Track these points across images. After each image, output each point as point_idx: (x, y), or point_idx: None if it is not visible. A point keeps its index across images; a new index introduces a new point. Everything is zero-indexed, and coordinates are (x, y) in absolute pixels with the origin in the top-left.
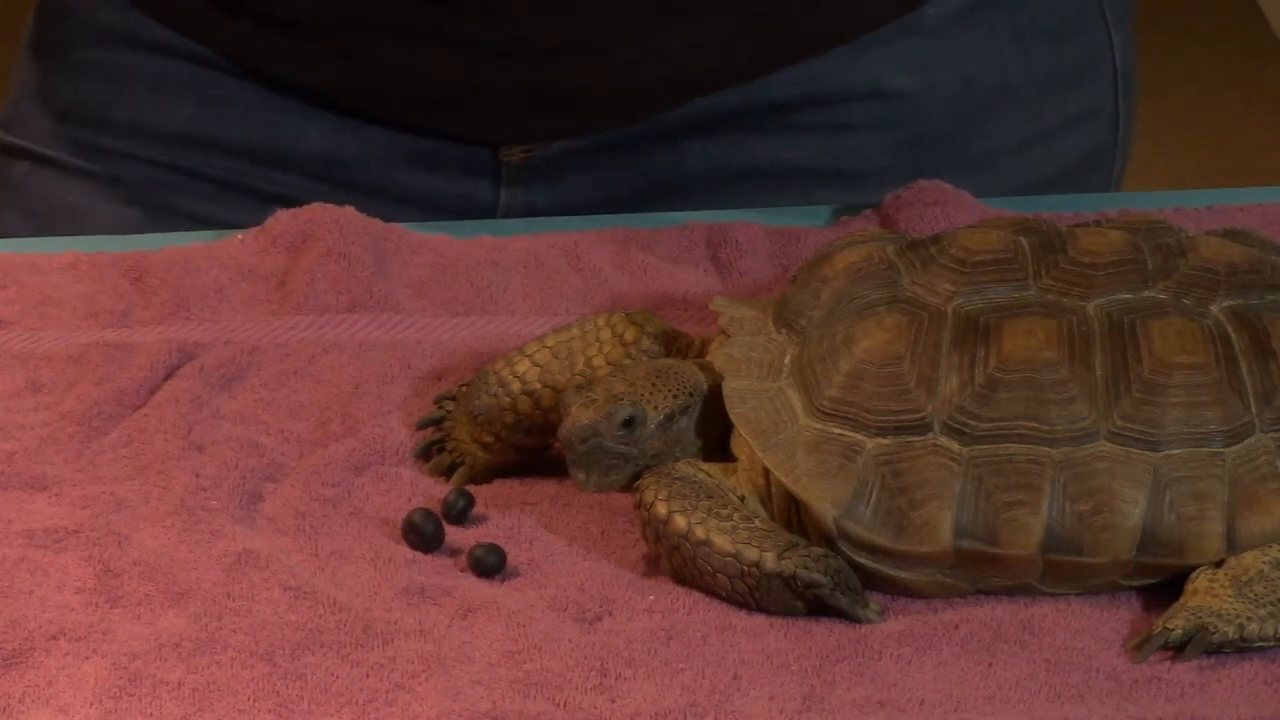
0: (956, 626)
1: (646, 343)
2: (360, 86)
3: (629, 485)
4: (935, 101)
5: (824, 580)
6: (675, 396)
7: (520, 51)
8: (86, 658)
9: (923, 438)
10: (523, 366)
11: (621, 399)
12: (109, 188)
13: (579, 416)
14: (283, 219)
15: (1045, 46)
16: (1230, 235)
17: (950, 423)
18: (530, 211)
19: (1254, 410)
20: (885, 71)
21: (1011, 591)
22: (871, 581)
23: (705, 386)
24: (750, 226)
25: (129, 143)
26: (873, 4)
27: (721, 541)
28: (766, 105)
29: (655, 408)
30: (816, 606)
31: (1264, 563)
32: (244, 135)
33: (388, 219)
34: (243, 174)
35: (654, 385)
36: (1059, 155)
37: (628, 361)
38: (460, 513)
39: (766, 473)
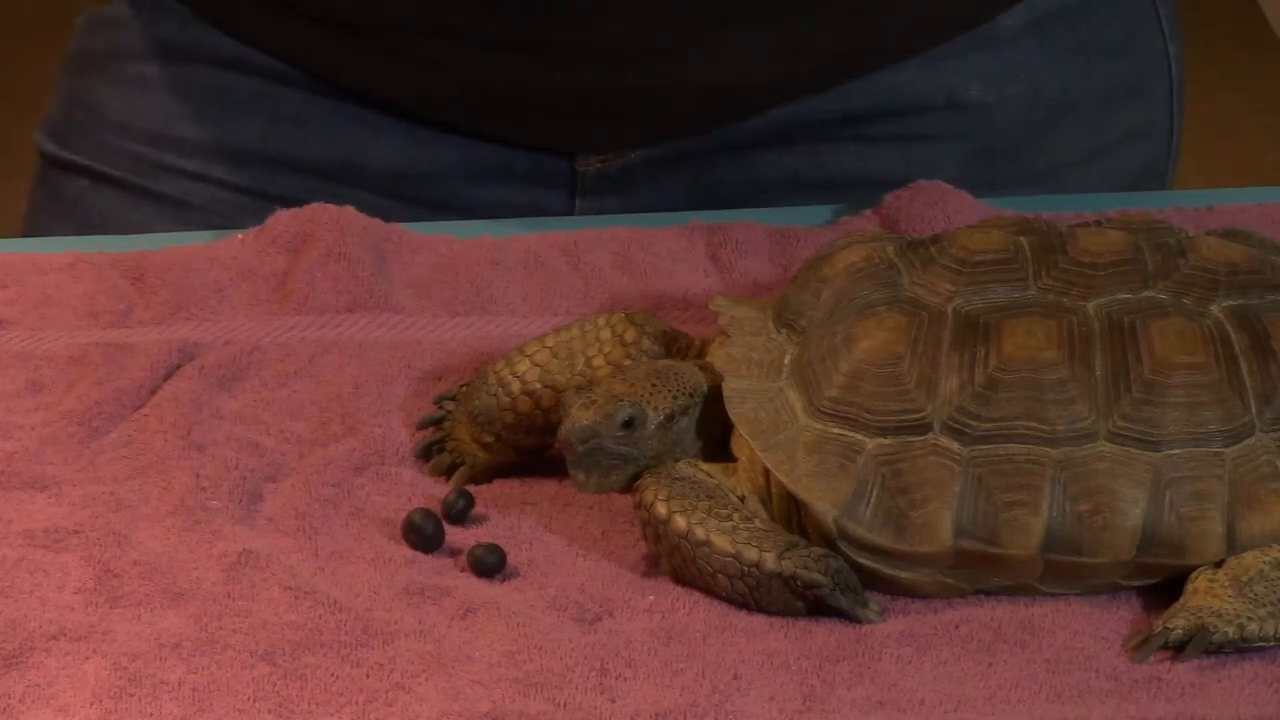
0: (956, 626)
1: (646, 343)
2: (436, 95)
3: (629, 486)
4: (1006, 113)
5: (824, 580)
6: (675, 397)
7: (597, 57)
8: (86, 658)
9: (923, 438)
10: (523, 366)
11: (621, 400)
12: (174, 209)
13: (579, 417)
14: (283, 219)
15: (1106, 60)
16: (1230, 235)
17: (950, 423)
18: None
19: (1254, 410)
20: (962, 83)
21: (1011, 591)
22: (871, 581)
23: (705, 387)
24: (750, 226)
25: (192, 161)
26: (949, 14)
27: (721, 542)
28: (841, 115)
29: (655, 409)
30: (816, 606)
31: (1264, 563)
32: (311, 152)
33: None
34: (311, 193)
35: (654, 386)
36: (1118, 169)
37: (628, 362)
38: (460, 513)
39: (766, 473)
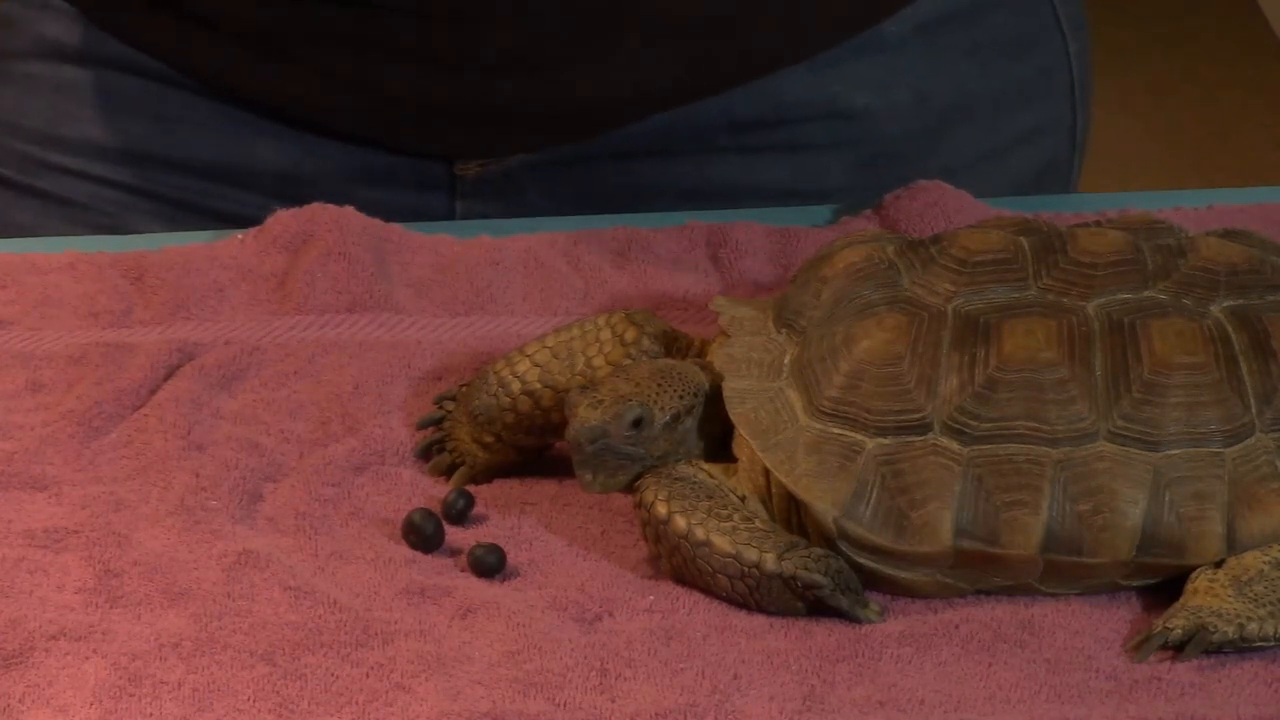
0: (956, 626)
1: (646, 343)
2: (314, 100)
3: (632, 486)
4: (894, 119)
5: (824, 581)
6: (681, 397)
7: (473, 64)
8: (86, 658)
9: (923, 438)
10: (523, 366)
11: (629, 400)
12: (59, 207)
13: (587, 417)
14: (283, 219)
15: (1002, 61)
16: (1230, 235)
17: (950, 423)
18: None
19: (1254, 410)
20: (845, 90)
21: (1011, 591)
22: (871, 581)
23: (707, 386)
24: (750, 226)
25: (78, 160)
26: (831, 21)
27: (722, 542)
28: (724, 124)
29: (662, 408)
30: (816, 607)
31: (1264, 562)
32: (197, 153)
33: None
34: (197, 193)
35: (659, 386)
36: (1015, 169)
37: (628, 361)
38: (460, 513)
39: (767, 473)
